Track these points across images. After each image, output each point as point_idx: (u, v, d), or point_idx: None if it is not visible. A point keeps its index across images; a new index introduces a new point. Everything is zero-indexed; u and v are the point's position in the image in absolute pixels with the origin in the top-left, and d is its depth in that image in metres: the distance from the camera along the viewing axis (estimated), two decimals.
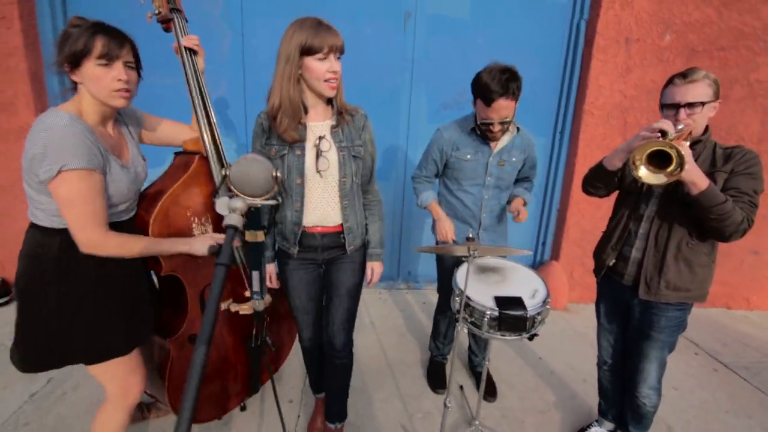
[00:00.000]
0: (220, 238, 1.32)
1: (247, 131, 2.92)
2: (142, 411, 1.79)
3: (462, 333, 1.48)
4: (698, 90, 1.32)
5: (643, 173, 1.21)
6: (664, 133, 1.25)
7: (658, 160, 1.18)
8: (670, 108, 1.38)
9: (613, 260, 1.59)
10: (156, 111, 1.46)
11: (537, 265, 3.35)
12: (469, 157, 1.81)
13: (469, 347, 2.27)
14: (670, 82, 1.40)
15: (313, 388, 1.83)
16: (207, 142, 1.42)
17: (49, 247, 1.14)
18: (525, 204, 1.92)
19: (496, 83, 1.56)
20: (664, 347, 1.53)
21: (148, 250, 1.22)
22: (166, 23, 1.37)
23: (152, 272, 1.44)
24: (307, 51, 1.23)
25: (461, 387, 2.17)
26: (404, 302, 3.10)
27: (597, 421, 1.88)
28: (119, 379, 1.28)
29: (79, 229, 1.10)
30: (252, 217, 0.65)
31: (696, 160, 1.38)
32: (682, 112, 1.34)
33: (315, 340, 1.63)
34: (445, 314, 2.09)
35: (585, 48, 2.89)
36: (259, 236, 0.65)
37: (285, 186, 1.36)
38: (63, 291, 1.14)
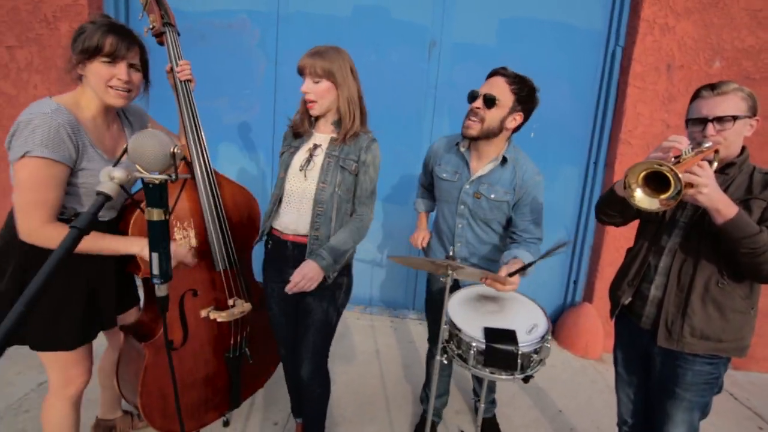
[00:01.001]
0: (180, 252, 1.33)
1: (274, 153, 3.04)
2: (132, 419, 1.78)
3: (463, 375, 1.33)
4: (729, 103, 1.16)
5: (638, 196, 1.04)
6: (678, 155, 1.09)
7: (658, 182, 1.02)
8: (697, 123, 1.21)
9: (630, 298, 1.37)
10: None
11: (567, 307, 3.04)
12: (445, 175, 1.62)
13: (473, 389, 2.06)
14: (697, 95, 1.24)
15: (293, 412, 1.73)
16: (195, 154, 1.44)
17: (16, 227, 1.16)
18: (525, 269, 1.37)
19: (504, 68, 1.49)
20: (693, 408, 1.27)
21: (86, 247, 1.17)
22: (159, 36, 1.44)
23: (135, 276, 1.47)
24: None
25: None
26: (415, 333, 2.92)
27: None
28: (61, 369, 1.31)
29: (23, 215, 1.11)
30: (151, 193, 0.63)
31: (728, 187, 1.19)
32: (710, 128, 1.17)
33: (291, 360, 1.56)
34: (435, 357, 1.72)
35: (621, 75, 2.73)
36: (156, 214, 0.62)
37: (277, 179, 1.46)
38: (25, 280, 1.17)
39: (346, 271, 1.50)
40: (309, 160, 1.38)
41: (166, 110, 1.63)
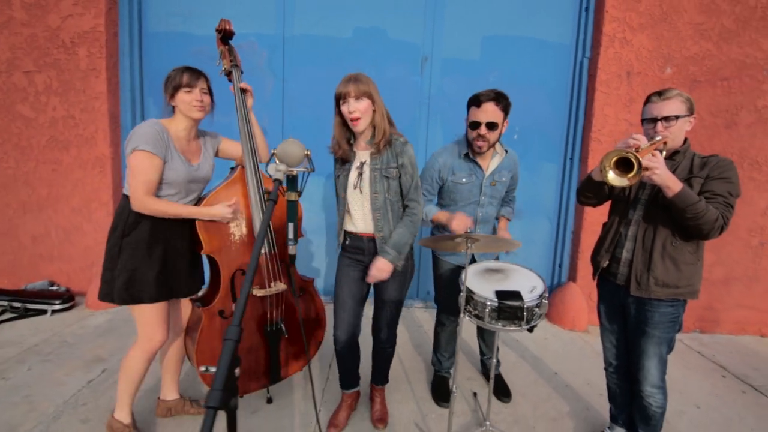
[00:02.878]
0: (235, 206, 1.73)
1: None
2: (184, 404, 1.95)
3: (471, 342, 1.62)
4: (672, 105, 1.51)
5: (611, 177, 1.38)
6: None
7: (624, 166, 1.36)
8: (649, 122, 1.57)
9: (607, 261, 1.71)
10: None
11: (554, 288, 3.40)
12: (464, 180, 1.98)
13: (480, 352, 2.37)
14: (648, 100, 1.59)
15: (342, 384, 1.97)
16: (246, 156, 1.79)
17: (125, 208, 1.60)
18: (508, 221, 2.19)
19: (487, 91, 1.86)
20: (661, 343, 1.60)
21: (176, 211, 1.61)
22: (228, 75, 1.90)
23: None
24: (336, 99, 1.66)
25: (474, 394, 2.24)
26: (421, 319, 3.22)
27: (609, 427, 1.90)
28: (148, 325, 1.64)
29: (132, 191, 1.53)
30: (290, 183, 0.90)
31: (676, 169, 1.55)
32: (659, 125, 1.53)
33: (348, 337, 1.82)
34: (443, 326, 2.19)
35: (589, 82, 3.15)
36: (294, 196, 0.90)
37: (338, 197, 1.80)
38: (125, 242, 1.59)
39: (410, 256, 1.84)
40: (359, 177, 1.70)
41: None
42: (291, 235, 0.98)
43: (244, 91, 1.84)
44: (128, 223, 1.59)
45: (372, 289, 1.87)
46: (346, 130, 1.71)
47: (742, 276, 3.22)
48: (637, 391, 1.69)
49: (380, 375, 2.00)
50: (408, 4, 3.18)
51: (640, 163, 1.31)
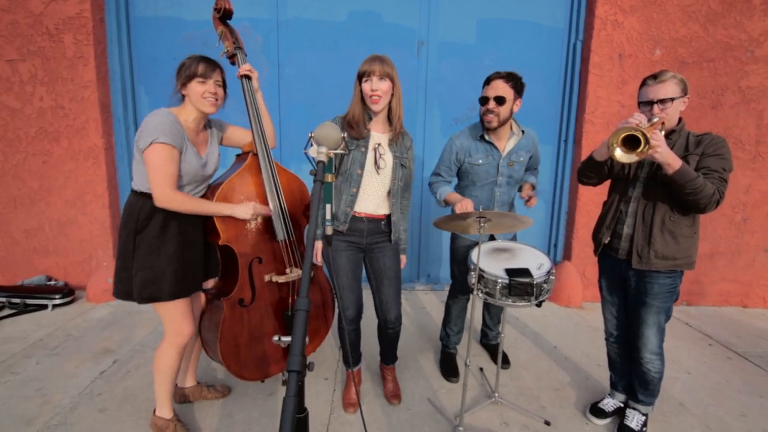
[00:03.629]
0: (261, 207, 1.73)
1: (281, 147, 3.29)
2: (201, 390, 1.98)
3: (475, 316, 1.69)
4: (668, 88, 1.57)
5: (618, 154, 1.45)
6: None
7: (631, 143, 1.43)
8: (646, 105, 1.63)
9: (608, 238, 1.79)
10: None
11: None
12: (481, 161, 2.03)
13: (484, 323, 2.49)
14: (644, 83, 1.65)
15: (346, 363, 2.04)
16: (257, 143, 1.77)
17: (136, 204, 1.55)
18: (534, 188, 2.20)
19: (498, 71, 1.92)
20: (660, 312, 1.71)
21: (201, 207, 1.59)
22: (231, 58, 1.83)
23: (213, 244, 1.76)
24: (359, 77, 1.69)
25: (481, 369, 2.34)
26: (425, 301, 3.30)
27: (609, 394, 2.02)
28: (174, 321, 1.61)
29: (156, 186, 1.47)
30: (328, 164, 0.93)
31: (672, 147, 1.62)
32: (656, 108, 1.59)
33: (355, 318, 1.88)
34: (456, 298, 2.26)
35: (582, 65, 3.20)
36: (330, 177, 0.93)
37: (346, 175, 1.74)
38: (138, 239, 1.54)
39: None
40: (379, 159, 1.73)
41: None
42: (328, 216, 1.01)
43: (249, 77, 1.78)
44: (141, 219, 1.53)
45: (368, 272, 1.93)
46: (364, 108, 1.73)
47: (726, 251, 3.39)
48: (637, 358, 1.80)
49: (390, 354, 2.07)
50: None
51: (647, 139, 1.37)
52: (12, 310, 2.87)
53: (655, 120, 1.58)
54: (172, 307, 1.59)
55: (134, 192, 1.58)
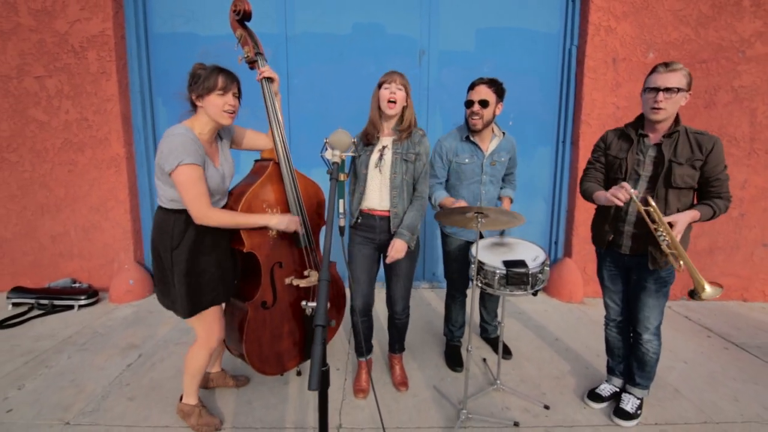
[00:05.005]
0: (294, 221, 1.82)
1: (291, 152, 3.45)
2: (225, 377, 2.11)
3: (474, 313, 1.80)
4: (676, 77, 1.59)
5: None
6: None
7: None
8: (651, 91, 1.64)
9: (612, 236, 1.87)
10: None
11: (552, 264, 3.62)
12: (467, 160, 2.18)
13: (481, 318, 2.61)
14: (654, 70, 1.66)
15: (357, 353, 2.17)
16: (279, 152, 1.85)
17: (168, 222, 1.60)
18: (511, 201, 2.35)
19: (480, 77, 2.09)
20: (660, 296, 1.82)
21: (238, 220, 1.67)
22: (251, 63, 1.88)
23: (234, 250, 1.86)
24: (379, 85, 1.89)
25: (484, 359, 2.46)
26: (429, 298, 3.43)
27: (606, 379, 2.12)
28: (206, 325, 1.71)
29: (193, 206, 1.53)
30: (341, 165, 1.07)
31: (675, 145, 1.69)
32: (661, 95, 1.60)
33: (363, 309, 2.02)
34: (454, 298, 2.40)
35: (577, 69, 3.34)
36: (342, 177, 1.08)
37: (357, 176, 1.94)
38: (175, 254, 1.60)
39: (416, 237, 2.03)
40: (380, 158, 1.90)
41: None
42: (342, 210, 1.16)
43: (270, 80, 1.79)
44: (175, 236, 1.58)
45: (383, 266, 2.05)
46: (381, 116, 1.91)
47: (725, 245, 3.47)
48: (636, 340, 1.92)
49: (397, 344, 2.21)
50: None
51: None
52: (40, 311, 3.05)
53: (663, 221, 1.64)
54: (207, 314, 1.69)
55: (163, 209, 1.61)
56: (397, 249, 1.89)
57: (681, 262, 1.62)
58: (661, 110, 1.64)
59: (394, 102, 1.84)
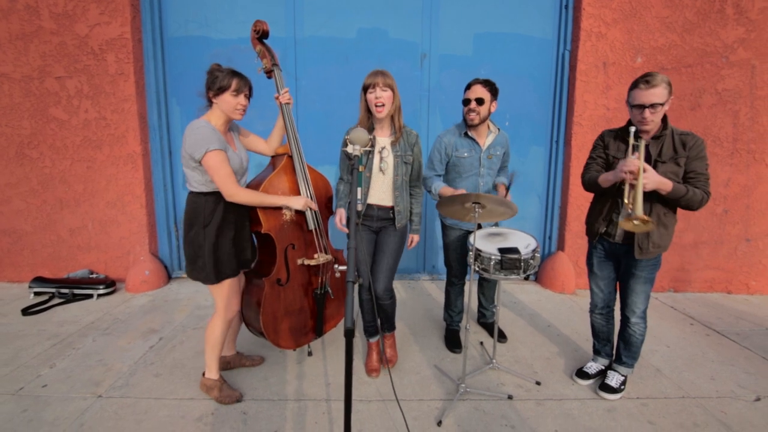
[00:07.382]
0: (309, 201, 2.04)
1: None
2: (241, 358, 2.28)
3: (472, 301, 1.98)
4: (658, 93, 1.72)
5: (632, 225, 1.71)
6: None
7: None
8: (638, 108, 1.78)
9: (604, 228, 2.04)
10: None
11: (545, 257, 3.82)
12: (466, 154, 2.36)
13: (480, 304, 2.79)
14: (635, 86, 1.77)
15: (366, 333, 2.34)
16: (294, 149, 2.07)
17: (199, 203, 1.83)
18: (507, 188, 2.48)
19: (476, 78, 2.28)
20: (647, 282, 2.00)
21: (262, 199, 1.90)
22: (269, 74, 2.11)
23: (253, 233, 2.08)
24: (364, 89, 1.98)
25: (481, 342, 2.64)
26: (429, 289, 3.61)
27: (593, 359, 2.31)
28: (225, 297, 1.92)
29: (224, 185, 1.77)
30: (360, 158, 1.25)
31: (661, 147, 1.84)
32: (647, 112, 1.75)
33: (368, 287, 2.18)
34: (453, 285, 2.58)
35: (570, 73, 3.53)
36: (360, 168, 1.26)
37: (363, 175, 2.07)
38: (206, 231, 1.83)
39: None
40: (382, 160, 2.04)
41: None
42: (359, 196, 1.34)
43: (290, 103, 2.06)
44: (206, 214, 1.81)
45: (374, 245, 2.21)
46: (370, 117, 2.04)
47: (709, 240, 3.66)
48: (624, 322, 2.10)
49: (387, 323, 2.32)
50: (406, 6, 3.51)
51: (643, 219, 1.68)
52: (61, 299, 3.22)
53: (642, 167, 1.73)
54: (228, 284, 1.89)
55: (194, 193, 1.84)
56: (416, 242, 2.27)
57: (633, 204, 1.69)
58: (649, 124, 1.80)
59: (383, 105, 1.94)
